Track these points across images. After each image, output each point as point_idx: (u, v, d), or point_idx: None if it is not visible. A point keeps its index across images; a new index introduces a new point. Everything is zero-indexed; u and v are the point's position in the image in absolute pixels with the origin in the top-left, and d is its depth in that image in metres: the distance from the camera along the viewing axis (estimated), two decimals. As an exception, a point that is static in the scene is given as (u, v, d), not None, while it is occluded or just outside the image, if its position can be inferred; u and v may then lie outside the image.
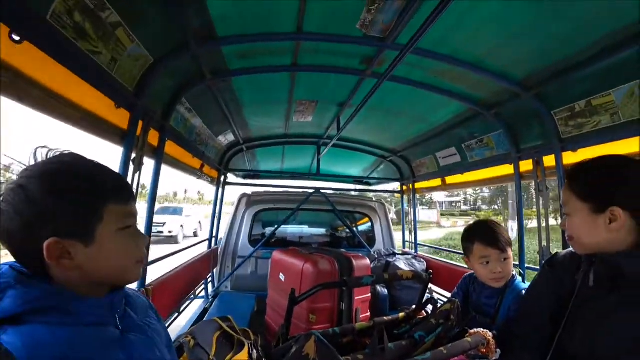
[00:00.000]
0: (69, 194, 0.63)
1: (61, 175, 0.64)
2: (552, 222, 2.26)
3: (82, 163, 0.69)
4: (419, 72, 2.09)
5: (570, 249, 1.21)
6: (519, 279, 1.56)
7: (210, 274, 3.58)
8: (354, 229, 3.99)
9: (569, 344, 1.02)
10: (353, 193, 5.15)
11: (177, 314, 2.73)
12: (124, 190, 0.72)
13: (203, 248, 3.59)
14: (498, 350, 1.32)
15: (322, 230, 4.38)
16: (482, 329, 1.31)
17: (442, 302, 1.53)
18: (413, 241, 4.06)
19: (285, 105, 2.76)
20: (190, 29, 1.55)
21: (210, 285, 3.63)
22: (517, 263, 2.24)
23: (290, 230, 4.25)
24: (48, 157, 0.67)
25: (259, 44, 1.82)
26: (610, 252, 0.95)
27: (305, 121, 3.10)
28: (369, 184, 5.17)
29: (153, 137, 1.83)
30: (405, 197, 4.33)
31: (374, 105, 2.49)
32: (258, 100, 2.67)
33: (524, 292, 1.42)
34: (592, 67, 1.59)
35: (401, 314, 1.65)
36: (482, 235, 1.51)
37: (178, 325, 2.60)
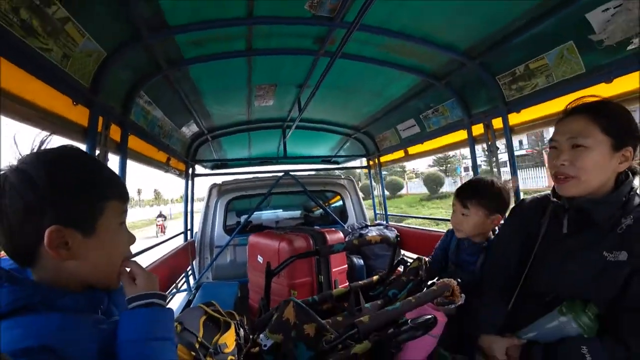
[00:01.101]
0: (74, 184, 0.65)
1: (68, 165, 0.66)
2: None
3: (86, 156, 0.73)
4: (370, 48, 2.16)
5: (536, 195, 1.29)
6: None
7: (189, 267, 3.57)
8: (327, 207, 4.09)
9: (535, 284, 1.11)
10: (322, 173, 5.23)
11: None
12: (122, 187, 0.75)
13: (178, 242, 3.57)
14: (463, 295, 1.46)
15: (296, 213, 4.45)
16: (446, 279, 1.44)
17: (411, 261, 1.66)
18: (383, 212, 4.24)
19: (245, 91, 2.76)
20: (141, 20, 1.54)
21: (191, 278, 3.63)
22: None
23: (265, 215, 4.29)
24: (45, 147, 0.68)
25: (211, 30, 1.81)
26: (584, 199, 1.01)
27: (267, 105, 3.10)
28: (337, 163, 5.27)
29: (115, 133, 1.81)
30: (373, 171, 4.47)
31: (332, 83, 2.55)
32: (217, 88, 2.65)
33: None
34: (527, 33, 1.72)
35: (375, 277, 1.78)
36: (460, 186, 1.56)
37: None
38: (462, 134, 2.62)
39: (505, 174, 2.31)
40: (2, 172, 0.62)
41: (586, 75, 1.64)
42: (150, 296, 0.73)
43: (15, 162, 0.64)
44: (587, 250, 0.99)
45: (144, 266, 0.79)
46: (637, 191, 1.02)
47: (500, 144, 2.33)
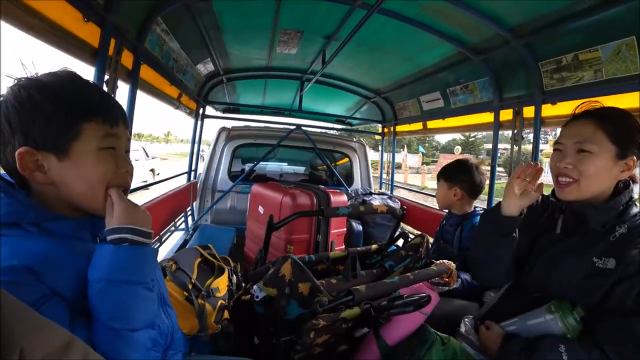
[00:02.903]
0: (45, 105, 0.62)
1: (46, 87, 0.63)
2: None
3: (71, 79, 0.67)
4: (412, 7, 2.00)
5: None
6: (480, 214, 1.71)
7: (189, 207, 3.61)
8: (334, 167, 4.04)
9: (527, 279, 1.14)
10: (334, 133, 5.14)
11: (158, 244, 2.80)
12: (109, 110, 0.70)
13: (182, 181, 3.58)
14: (459, 279, 1.47)
15: (301, 168, 4.43)
16: (446, 260, 1.44)
17: (412, 237, 1.65)
18: (389, 182, 4.20)
19: (269, 34, 2.60)
20: None
21: (190, 219, 3.69)
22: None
23: (270, 167, 4.27)
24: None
25: None
26: (581, 203, 1.03)
27: (289, 53, 2.95)
28: (351, 124, 5.15)
29: (127, 59, 1.71)
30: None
31: (362, 40, 2.41)
32: (240, 26, 2.49)
33: None
34: (584, 20, 1.58)
35: (374, 246, 1.77)
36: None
37: (159, 255, 2.66)
38: (487, 117, 2.51)
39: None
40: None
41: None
42: (122, 230, 0.66)
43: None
44: (578, 254, 1.01)
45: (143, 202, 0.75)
46: (637, 201, 1.04)
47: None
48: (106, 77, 1.52)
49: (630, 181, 1.04)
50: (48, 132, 0.62)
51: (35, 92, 0.62)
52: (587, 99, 1.12)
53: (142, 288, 0.66)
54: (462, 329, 1.23)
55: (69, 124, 0.64)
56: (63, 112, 0.63)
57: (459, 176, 1.76)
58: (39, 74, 0.66)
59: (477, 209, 1.77)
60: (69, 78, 0.67)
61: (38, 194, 0.66)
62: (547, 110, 2.02)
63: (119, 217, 0.67)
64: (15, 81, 0.64)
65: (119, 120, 0.71)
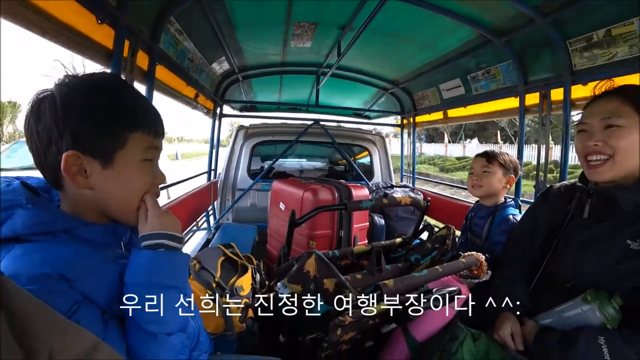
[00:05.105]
0: (97, 112, 0.62)
1: (95, 92, 0.63)
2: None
3: (121, 86, 0.69)
4: None
5: (564, 182, 1.26)
6: (512, 205, 1.66)
7: (210, 207, 3.64)
8: (353, 162, 3.99)
9: (557, 269, 1.10)
10: (352, 126, 5.08)
11: None
12: (155, 122, 0.70)
13: (202, 181, 3.61)
14: (489, 271, 1.41)
15: (320, 164, 4.40)
16: (475, 252, 1.38)
17: (438, 229, 1.60)
18: (411, 174, 4.13)
19: (283, 28, 2.57)
20: None
21: (211, 218, 3.72)
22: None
23: (289, 163, 4.26)
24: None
25: None
26: (610, 185, 1.00)
27: (303, 46, 2.91)
28: (369, 117, 5.08)
29: (142, 60, 1.71)
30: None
31: (378, 28, 2.34)
32: (253, 21, 2.47)
33: (511, 216, 1.55)
34: None
35: (398, 240, 1.73)
36: (477, 154, 1.74)
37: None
38: (511, 102, 2.40)
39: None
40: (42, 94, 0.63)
41: None
42: (158, 236, 0.68)
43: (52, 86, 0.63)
44: (610, 238, 0.98)
45: (164, 202, 0.75)
46: None
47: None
48: (122, 78, 1.53)
49: None
50: (97, 138, 0.62)
51: (90, 94, 0.62)
52: (625, 76, 1.07)
53: (178, 292, 0.67)
54: None
55: (118, 131, 0.64)
56: (115, 118, 0.64)
57: (514, 169, 1.69)
58: (89, 74, 0.66)
59: (507, 200, 1.69)
60: (119, 83, 0.68)
61: (71, 196, 0.66)
62: (578, 91, 1.90)
63: (154, 224, 0.68)
64: (61, 80, 0.63)
65: (160, 132, 0.72)
